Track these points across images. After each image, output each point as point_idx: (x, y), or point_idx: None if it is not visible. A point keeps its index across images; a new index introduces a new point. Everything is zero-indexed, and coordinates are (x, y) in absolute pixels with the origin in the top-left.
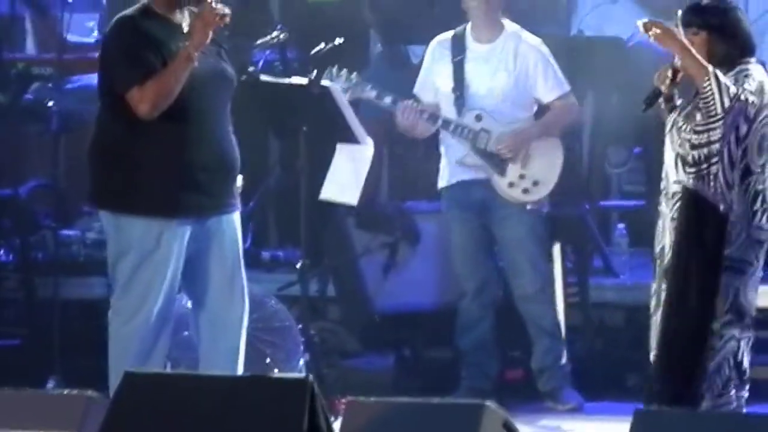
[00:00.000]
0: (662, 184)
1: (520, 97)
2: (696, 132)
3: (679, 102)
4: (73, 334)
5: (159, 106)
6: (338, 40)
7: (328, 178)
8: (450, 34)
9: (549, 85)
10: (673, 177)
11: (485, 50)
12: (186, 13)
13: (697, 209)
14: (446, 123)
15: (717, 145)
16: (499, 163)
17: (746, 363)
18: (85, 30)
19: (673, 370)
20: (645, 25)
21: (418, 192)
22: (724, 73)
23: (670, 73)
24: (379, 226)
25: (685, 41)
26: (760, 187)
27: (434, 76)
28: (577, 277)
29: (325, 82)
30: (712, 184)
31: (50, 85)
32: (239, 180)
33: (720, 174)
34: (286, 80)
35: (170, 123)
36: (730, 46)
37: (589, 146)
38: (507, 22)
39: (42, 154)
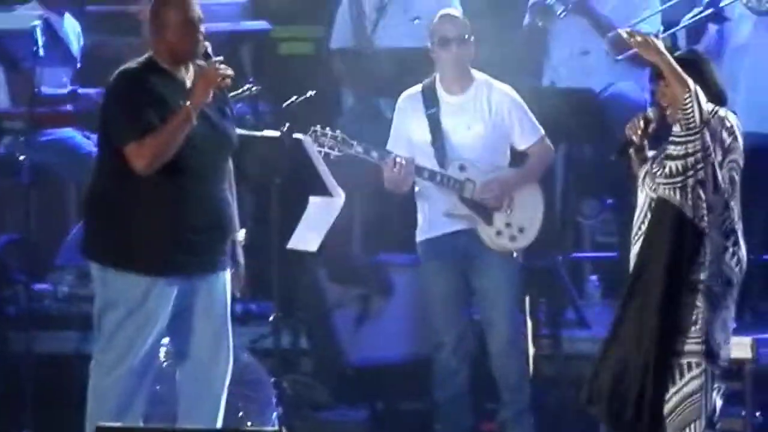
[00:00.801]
0: (633, 233)
1: (498, 145)
2: (674, 143)
3: (650, 153)
4: (46, 388)
5: (156, 163)
6: (310, 93)
7: (297, 230)
8: (418, 87)
9: (525, 131)
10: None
11: (459, 101)
12: (191, 68)
13: (669, 219)
14: (432, 175)
15: (693, 158)
16: (485, 212)
17: (717, 414)
18: (57, 83)
19: (627, 391)
20: (629, 32)
21: (390, 244)
22: None
23: (642, 124)
24: (352, 279)
25: (667, 53)
26: (735, 226)
27: (409, 131)
28: (550, 329)
29: (297, 135)
30: (689, 196)
31: (22, 138)
32: (242, 234)
33: (699, 190)
34: (258, 133)
35: (166, 180)
36: (705, 97)
37: (562, 197)
38: (475, 72)
39: (14, 207)
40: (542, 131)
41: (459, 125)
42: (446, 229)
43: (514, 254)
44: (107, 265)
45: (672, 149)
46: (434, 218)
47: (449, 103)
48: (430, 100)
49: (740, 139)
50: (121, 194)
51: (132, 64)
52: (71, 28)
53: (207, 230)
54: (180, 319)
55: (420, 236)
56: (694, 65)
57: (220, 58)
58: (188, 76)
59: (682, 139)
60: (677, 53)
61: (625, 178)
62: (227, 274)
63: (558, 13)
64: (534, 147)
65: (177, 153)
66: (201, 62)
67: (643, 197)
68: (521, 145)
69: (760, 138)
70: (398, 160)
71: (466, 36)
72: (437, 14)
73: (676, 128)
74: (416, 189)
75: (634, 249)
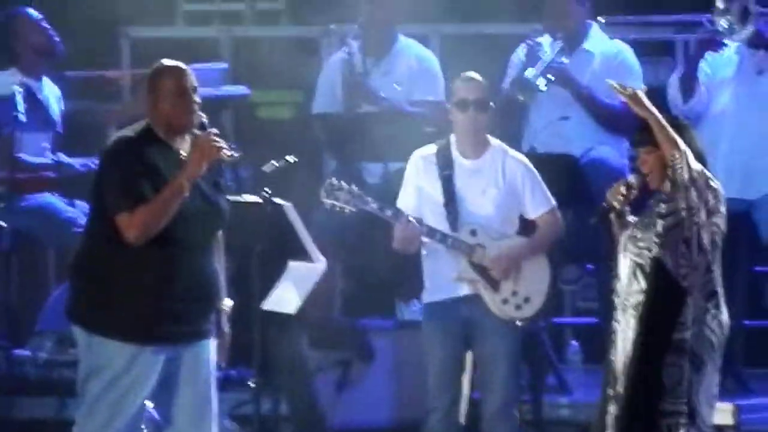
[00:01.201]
0: (616, 301)
1: (509, 213)
2: (662, 200)
3: (631, 219)
4: None
5: (147, 234)
6: (291, 158)
7: (273, 291)
8: (434, 148)
9: (537, 200)
10: (635, 287)
11: (474, 165)
12: (187, 139)
13: (658, 279)
14: (444, 237)
15: (679, 216)
16: (492, 279)
17: None
18: (38, 148)
19: None
20: (620, 85)
21: (371, 309)
22: None
23: (623, 190)
24: (333, 344)
25: (656, 110)
26: (717, 289)
27: (421, 189)
28: (531, 394)
29: (278, 201)
30: (673, 254)
31: (2, 204)
32: (228, 303)
33: (683, 247)
34: (239, 198)
35: (155, 251)
36: None
37: None
38: (489, 137)
39: None
40: (554, 203)
41: (473, 189)
42: (452, 294)
43: (518, 323)
44: (92, 330)
45: (662, 207)
46: (441, 281)
47: (464, 166)
48: (445, 161)
49: (723, 204)
50: (109, 260)
51: (128, 131)
52: (51, 92)
53: (194, 301)
54: (164, 387)
55: (425, 298)
56: (687, 131)
57: (215, 130)
58: (184, 147)
59: (671, 197)
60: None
61: (606, 244)
62: (212, 343)
63: (540, 88)
64: (544, 217)
65: (167, 223)
66: (198, 132)
67: (626, 263)
68: (532, 215)
69: (739, 204)
70: (411, 219)
71: (486, 100)
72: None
73: (665, 186)
74: (423, 251)
75: (620, 315)
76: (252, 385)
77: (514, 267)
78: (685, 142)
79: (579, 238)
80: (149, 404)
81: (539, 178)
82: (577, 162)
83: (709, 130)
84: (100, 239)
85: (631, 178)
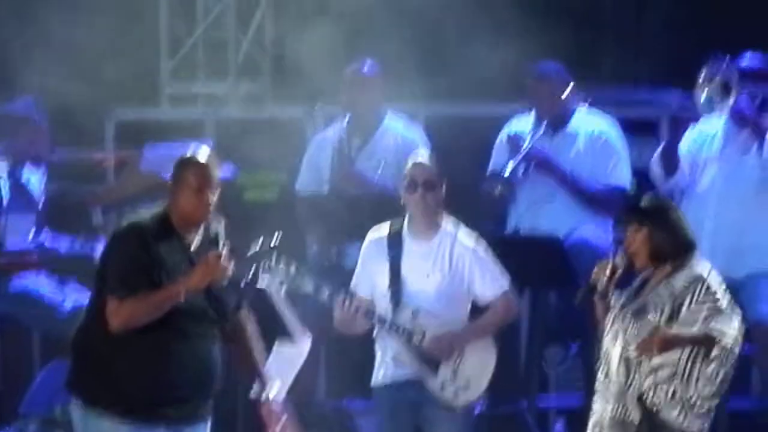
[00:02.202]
0: (600, 384)
1: (455, 297)
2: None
3: (614, 300)
4: None
5: (129, 326)
6: (275, 240)
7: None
8: (386, 230)
9: (487, 284)
10: (623, 379)
11: (422, 249)
12: (199, 232)
13: None
14: (381, 320)
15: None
16: (431, 362)
17: None
18: (23, 230)
19: None
20: (640, 347)
21: (355, 390)
22: (672, 270)
23: (608, 271)
24: (317, 425)
25: (671, 335)
26: None
27: (371, 273)
28: None
29: (262, 283)
30: None
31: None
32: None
33: None
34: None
35: (155, 338)
36: (671, 242)
37: (527, 344)
38: (445, 219)
39: None
40: (506, 286)
41: (418, 272)
42: (393, 377)
43: (458, 410)
44: (90, 404)
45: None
46: (386, 364)
47: (412, 248)
48: (395, 243)
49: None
50: (107, 340)
51: (145, 217)
52: (32, 174)
53: (192, 387)
54: None
55: (373, 381)
56: (663, 213)
57: (224, 251)
58: (196, 240)
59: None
60: (645, 197)
61: (590, 324)
62: (207, 428)
63: (519, 176)
64: (495, 301)
65: (167, 314)
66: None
67: (615, 352)
68: (483, 299)
69: (725, 282)
70: (347, 301)
71: (435, 181)
72: (406, 159)
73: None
74: (374, 333)
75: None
76: None
77: (454, 350)
78: (672, 223)
79: (563, 318)
80: None
81: (490, 261)
82: (561, 243)
83: (694, 209)
84: (99, 318)
85: (618, 259)
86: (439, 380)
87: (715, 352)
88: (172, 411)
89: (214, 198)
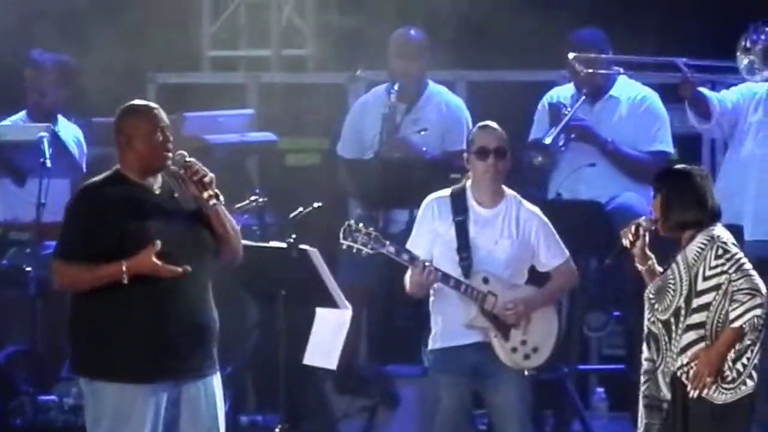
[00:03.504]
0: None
1: (521, 264)
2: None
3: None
4: None
5: (71, 290)
6: (316, 205)
7: (310, 343)
8: (447, 192)
9: (551, 252)
10: (645, 353)
11: (488, 215)
12: (159, 177)
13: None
14: (458, 283)
15: None
16: (503, 327)
17: None
18: (64, 193)
19: None
20: (694, 385)
21: (397, 355)
22: (689, 239)
23: (633, 230)
24: (359, 390)
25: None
26: None
27: (433, 233)
28: None
29: (304, 246)
30: None
31: (28, 250)
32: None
33: None
34: (265, 244)
35: (145, 292)
36: (685, 210)
37: (568, 310)
38: (504, 187)
39: (19, 319)
40: (567, 254)
41: (487, 238)
42: (461, 341)
43: (526, 372)
44: (95, 377)
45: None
46: (450, 328)
47: (479, 213)
48: (460, 206)
49: None
50: (101, 308)
51: (97, 179)
52: (68, 134)
53: (189, 336)
54: (171, 429)
55: (432, 345)
56: (682, 180)
57: (158, 244)
58: (156, 184)
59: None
60: (674, 167)
61: (632, 291)
62: (217, 379)
63: (559, 147)
64: (558, 269)
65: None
66: (180, 171)
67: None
68: (546, 266)
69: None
70: (428, 265)
71: (505, 148)
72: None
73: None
74: (431, 297)
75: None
76: (278, 430)
77: (526, 316)
78: (699, 191)
79: (605, 284)
80: None
81: (553, 229)
82: (602, 208)
83: (737, 173)
84: (85, 290)
85: (642, 220)
86: (510, 344)
87: (749, 337)
88: (172, 364)
89: (169, 138)
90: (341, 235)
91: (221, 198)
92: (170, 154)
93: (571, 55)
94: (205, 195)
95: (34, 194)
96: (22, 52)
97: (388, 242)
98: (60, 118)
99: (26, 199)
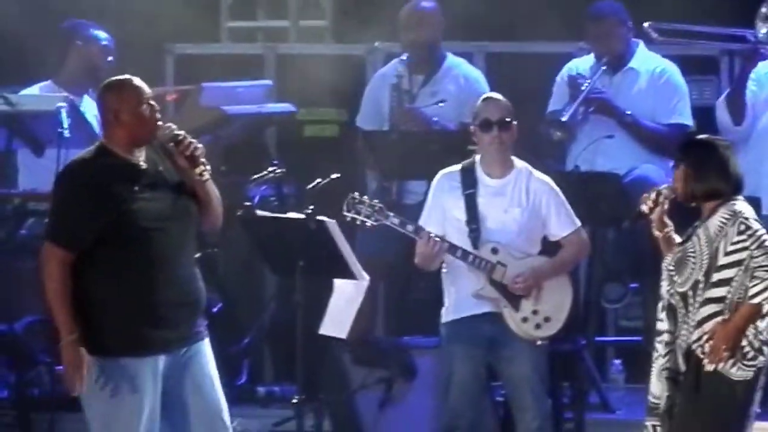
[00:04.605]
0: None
1: (532, 233)
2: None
3: (678, 239)
4: None
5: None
6: (334, 176)
7: (327, 314)
8: (457, 167)
9: (561, 222)
10: (662, 326)
11: (497, 185)
12: (143, 150)
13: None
14: (465, 254)
15: None
16: (513, 297)
17: None
18: None
19: None
20: (710, 358)
21: (414, 327)
22: (710, 212)
23: (653, 196)
24: (376, 361)
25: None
26: None
27: (444, 208)
28: (573, 413)
29: (322, 218)
30: None
31: (46, 220)
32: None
33: None
34: (283, 215)
35: (133, 265)
36: (706, 182)
37: (586, 282)
38: (515, 158)
39: (37, 289)
40: (578, 223)
41: (496, 208)
42: (473, 311)
43: (538, 342)
44: (91, 353)
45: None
46: (461, 300)
47: (488, 185)
48: (469, 180)
49: None
50: (88, 287)
51: (83, 154)
52: (91, 109)
53: (178, 305)
54: (171, 398)
55: (445, 317)
56: (704, 152)
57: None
58: (141, 157)
59: None
60: (698, 137)
61: (650, 263)
62: (208, 348)
63: (578, 120)
64: (569, 238)
65: (141, 237)
66: (168, 145)
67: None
68: (556, 236)
69: None
70: (433, 236)
71: (509, 119)
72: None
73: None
74: (443, 269)
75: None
76: (295, 401)
77: (536, 286)
78: (723, 163)
79: (622, 256)
80: None
81: (563, 198)
82: (620, 180)
83: (755, 148)
84: (76, 264)
85: (663, 188)
86: (521, 314)
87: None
88: (164, 334)
89: (156, 108)
90: (344, 208)
91: (209, 168)
92: (159, 124)
93: (646, 24)
94: (197, 171)
95: (53, 164)
96: (65, 24)
97: (392, 214)
98: (86, 96)
99: (45, 169)
